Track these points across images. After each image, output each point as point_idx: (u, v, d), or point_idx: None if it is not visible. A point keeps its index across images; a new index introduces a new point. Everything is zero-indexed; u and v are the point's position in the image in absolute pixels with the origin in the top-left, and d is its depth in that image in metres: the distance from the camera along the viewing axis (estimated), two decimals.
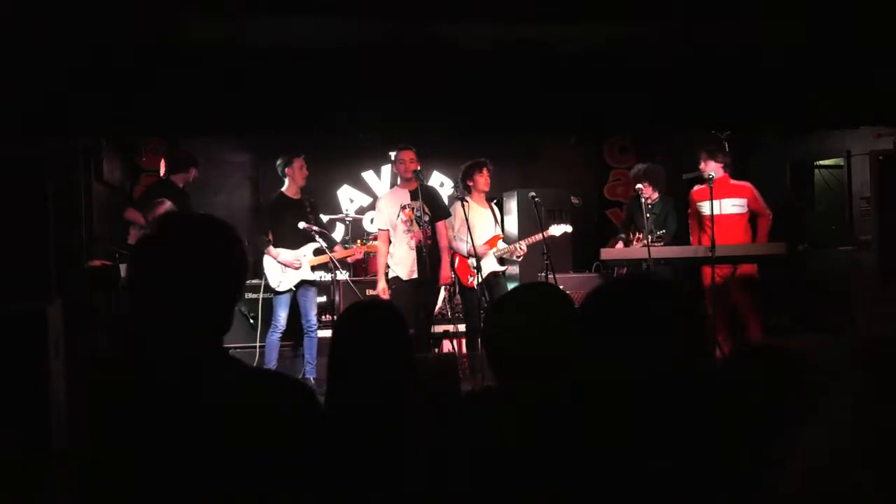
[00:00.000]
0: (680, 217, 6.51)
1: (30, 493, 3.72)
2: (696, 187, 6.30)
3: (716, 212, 5.88)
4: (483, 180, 6.47)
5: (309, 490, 1.53)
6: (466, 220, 6.12)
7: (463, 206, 6.20)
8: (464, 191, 6.53)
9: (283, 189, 6.56)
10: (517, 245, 6.57)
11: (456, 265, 6.52)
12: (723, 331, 6.13)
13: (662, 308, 1.57)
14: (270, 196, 6.70)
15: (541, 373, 1.75)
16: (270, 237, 6.39)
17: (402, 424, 1.89)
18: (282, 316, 6.38)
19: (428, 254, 6.05)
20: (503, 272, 6.60)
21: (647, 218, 6.14)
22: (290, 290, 6.38)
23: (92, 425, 1.50)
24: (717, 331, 6.13)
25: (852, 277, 5.94)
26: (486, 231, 6.47)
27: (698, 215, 6.25)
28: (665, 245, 6.11)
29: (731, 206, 6.10)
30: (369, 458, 1.81)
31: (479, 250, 6.17)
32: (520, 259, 6.77)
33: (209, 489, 1.43)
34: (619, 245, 6.68)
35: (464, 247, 6.33)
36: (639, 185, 6.36)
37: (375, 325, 2.00)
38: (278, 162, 6.58)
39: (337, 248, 6.65)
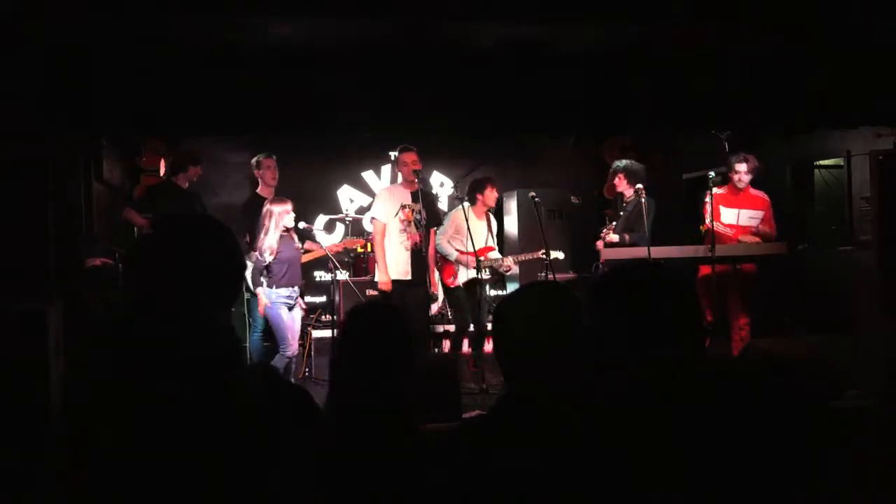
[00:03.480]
0: (657, 216, 6.26)
1: (29, 491, 3.72)
2: (719, 189, 6.12)
3: (733, 221, 5.93)
4: (493, 196, 6.62)
5: (307, 490, 1.53)
6: (468, 222, 6.14)
7: (464, 209, 6.22)
8: (469, 201, 6.56)
9: (258, 190, 6.57)
10: (504, 260, 6.66)
11: (443, 266, 6.55)
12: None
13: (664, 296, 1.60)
14: (246, 198, 6.71)
15: (548, 372, 1.75)
16: (248, 239, 6.37)
17: (403, 424, 1.89)
18: (259, 317, 6.34)
19: (421, 256, 6.08)
20: (487, 280, 6.63)
21: (620, 215, 6.19)
22: None
23: (89, 426, 1.50)
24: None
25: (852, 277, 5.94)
26: (478, 241, 6.48)
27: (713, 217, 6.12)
28: (630, 245, 6.10)
29: (748, 217, 6.04)
30: (371, 457, 1.81)
31: (466, 258, 6.24)
32: (507, 273, 6.85)
33: (206, 488, 1.43)
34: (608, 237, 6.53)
35: (452, 252, 6.37)
36: (615, 180, 6.39)
37: (380, 326, 2.00)
38: (252, 161, 6.59)
39: (307, 244, 6.62)
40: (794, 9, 4.57)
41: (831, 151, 7.09)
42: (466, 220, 6.18)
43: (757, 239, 6.01)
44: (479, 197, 6.56)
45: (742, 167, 6.03)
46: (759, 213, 6.10)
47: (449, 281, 6.47)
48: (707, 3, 4.56)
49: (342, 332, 2.05)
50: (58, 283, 4.83)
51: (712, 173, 6.01)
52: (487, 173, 6.74)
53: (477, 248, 6.25)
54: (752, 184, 6.15)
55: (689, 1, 4.52)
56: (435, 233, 6.41)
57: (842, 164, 7.00)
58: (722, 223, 6.06)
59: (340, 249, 6.92)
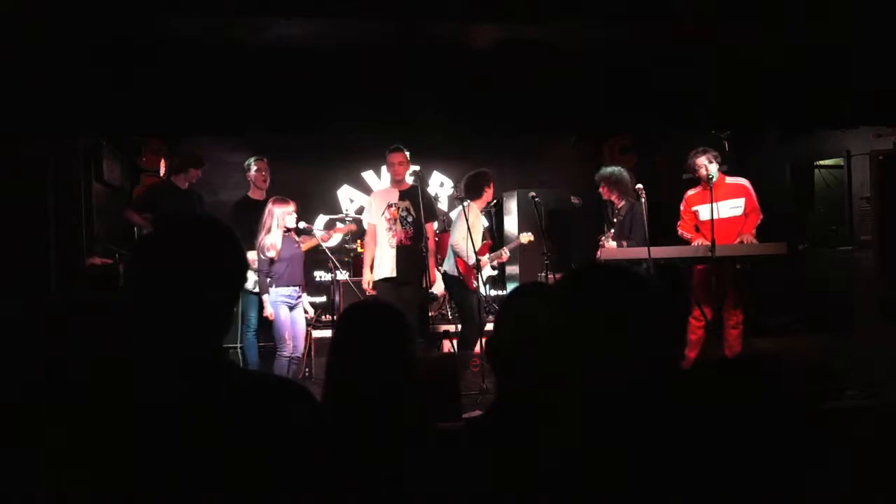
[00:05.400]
0: (651, 218, 6.05)
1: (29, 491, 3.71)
2: (692, 191, 6.10)
3: (714, 216, 5.68)
4: (491, 192, 6.55)
5: (308, 492, 1.53)
6: (467, 221, 6.12)
7: (464, 208, 6.19)
8: (473, 196, 6.46)
9: (249, 193, 6.58)
10: (501, 252, 6.79)
11: (462, 268, 6.51)
12: (698, 331, 6.02)
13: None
14: (236, 200, 6.72)
15: (538, 374, 1.75)
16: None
17: (400, 424, 1.89)
18: (253, 316, 6.30)
19: (409, 254, 6.03)
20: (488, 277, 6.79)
21: (615, 223, 6.18)
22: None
23: (89, 426, 1.50)
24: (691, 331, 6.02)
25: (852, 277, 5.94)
26: (478, 240, 6.46)
27: (693, 218, 6.07)
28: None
29: (729, 208, 5.88)
30: (367, 457, 1.81)
31: (480, 256, 6.25)
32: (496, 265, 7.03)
33: (206, 493, 1.43)
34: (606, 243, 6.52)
35: (472, 257, 6.34)
36: (600, 189, 6.38)
37: (375, 324, 2.00)
38: (245, 164, 6.61)
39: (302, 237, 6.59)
40: (794, 9, 4.57)
41: (831, 151, 7.10)
42: (466, 220, 6.15)
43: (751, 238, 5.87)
44: (486, 190, 6.43)
45: (703, 159, 5.86)
46: (740, 201, 5.90)
47: (472, 285, 6.44)
48: (707, 2, 4.56)
49: (336, 330, 2.06)
50: (58, 283, 4.84)
51: (713, 174, 5.99)
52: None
53: (478, 247, 6.24)
54: (732, 172, 6.04)
55: (690, 3, 4.53)
56: (433, 229, 6.37)
57: (842, 164, 7.01)
58: (699, 220, 5.95)
59: (328, 238, 6.83)
